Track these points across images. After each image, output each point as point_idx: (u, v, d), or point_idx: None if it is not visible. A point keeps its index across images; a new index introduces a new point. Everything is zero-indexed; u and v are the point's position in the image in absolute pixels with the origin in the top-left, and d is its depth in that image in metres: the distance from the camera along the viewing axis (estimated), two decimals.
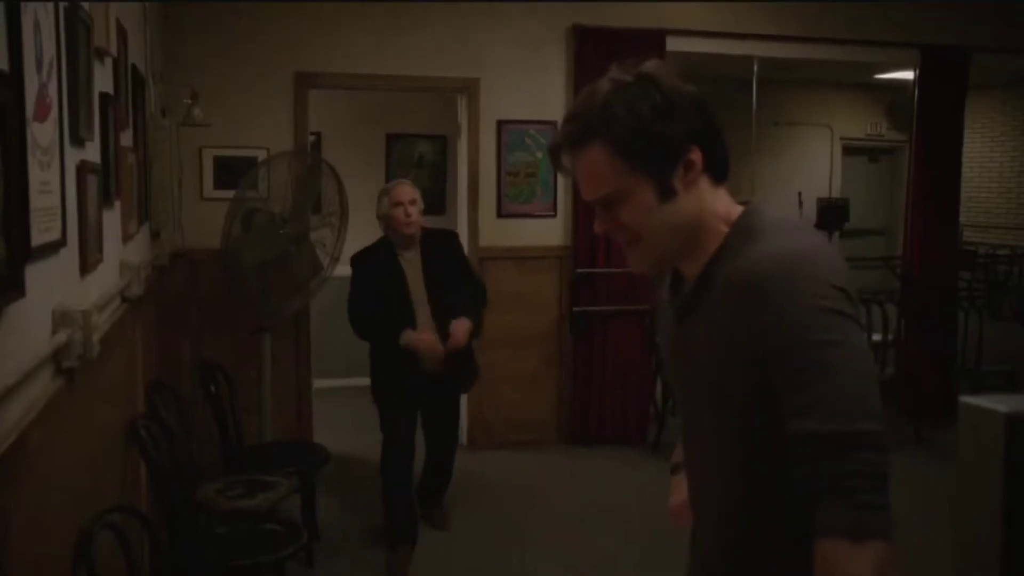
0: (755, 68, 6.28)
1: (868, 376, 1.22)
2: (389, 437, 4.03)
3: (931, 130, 6.15)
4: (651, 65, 1.36)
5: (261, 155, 4.95)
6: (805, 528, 1.21)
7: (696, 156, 1.33)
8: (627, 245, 1.39)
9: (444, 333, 3.93)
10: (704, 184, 1.36)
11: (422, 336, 3.90)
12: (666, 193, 1.33)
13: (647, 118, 1.30)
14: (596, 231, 1.41)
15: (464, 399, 5.57)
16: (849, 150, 9.75)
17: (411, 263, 4.02)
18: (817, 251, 1.27)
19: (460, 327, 3.95)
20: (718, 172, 1.37)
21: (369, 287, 3.95)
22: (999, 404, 2.22)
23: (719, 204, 1.38)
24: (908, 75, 6.41)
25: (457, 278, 4.11)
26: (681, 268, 1.44)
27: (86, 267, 2.32)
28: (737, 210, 1.38)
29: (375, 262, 4.00)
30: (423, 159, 7.40)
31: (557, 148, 1.40)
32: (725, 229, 1.36)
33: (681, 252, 1.39)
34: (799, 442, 1.20)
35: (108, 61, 2.86)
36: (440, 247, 4.11)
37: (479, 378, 4.29)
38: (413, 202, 3.96)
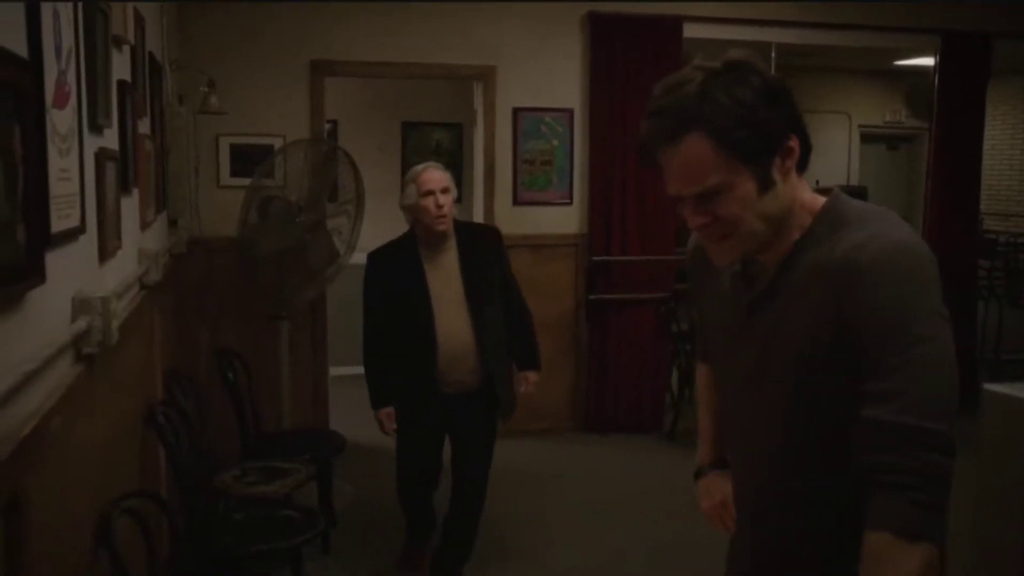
0: (773, 55, 6.22)
1: (951, 379, 1.21)
2: (403, 462, 3.52)
3: (951, 117, 6.09)
4: (737, 53, 1.32)
5: (277, 143, 4.95)
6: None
7: (795, 143, 1.30)
8: (718, 239, 1.34)
9: (486, 361, 3.32)
10: (793, 175, 1.33)
11: (386, 423, 3.41)
12: (766, 183, 1.29)
13: (751, 105, 1.26)
14: (691, 226, 1.35)
15: None
16: (867, 138, 9.67)
17: (439, 269, 3.31)
18: (919, 244, 1.27)
19: (531, 381, 3.57)
20: (804, 160, 1.35)
21: (384, 304, 3.34)
22: (1023, 392, 2.21)
23: (803, 193, 1.36)
24: (928, 61, 6.34)
25: (495, 292, 3.38)
26: (759, 257, 1.41)
27: (105, 254, 2.34)
28: (817, 198, 1.36)
29: (394, 265, 3.35)
30: (439, 147, 7.40)
31: (649, 145, 1.33)
32: (807, 218, 1.34)
33: (770, 241, 1.35)
34: (869, 428, 1.20)
35: (126, 49, 2.87)
36: (480, 248, 3.39)
37: (515, 411, 3.62)
38: (446, 190, 3.26)
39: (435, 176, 3.29)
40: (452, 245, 3.33)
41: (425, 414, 3.36)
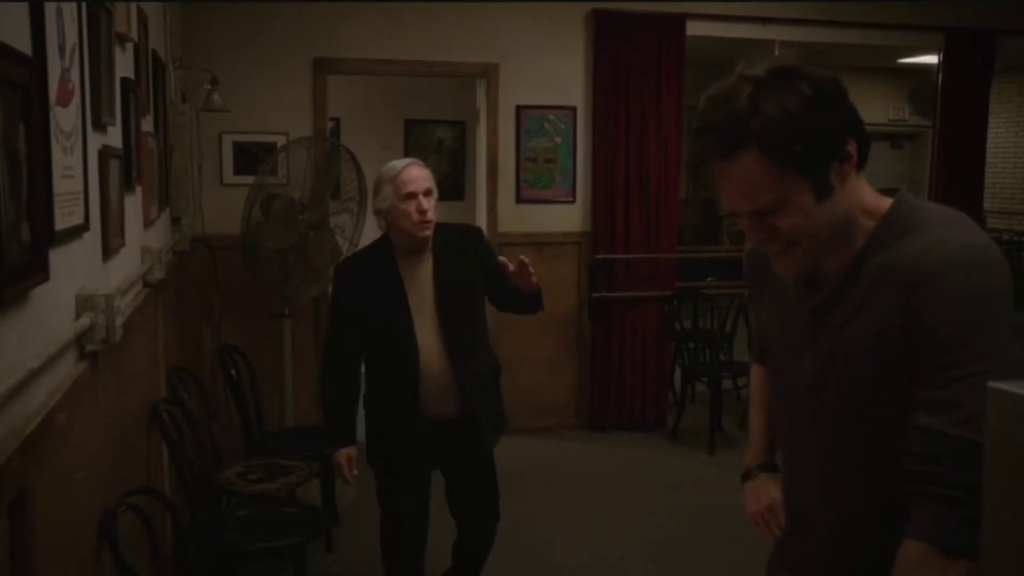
0: (776, 53, 6.22)
1: None
2: (387, 510, 2.99)
3: (955, 115, 6.07)
4: (784, 57, 1.28)
5: (280, 141, 4.96)
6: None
7: (852, 148, 1.26)
8: (780, 252, 1.30)
9: (462, 383, 2.83)
10: (853, 175, 1.28)
11: (347, 468, 2.89)
12: (824, 191, 1.24)
13: (800, 114, 1.20)
14: (751, 242, 1.32)
15: None
16: (871, 135, 9.64)
17: (418, 280, 2.82)
18: (991, 248, 1.23)
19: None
20: (863, 159, 1.30)
21: (356, 324, 2.84)
22: None
23: (866, 195, 1.32)
24: (932, 59, 6.34)
25: (474, 304, 2.91)
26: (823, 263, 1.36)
27: (109, 252, 2.34)
28: (882, 200, 1.33)
29: (368, 279, 2.82)
30: (442, 144, 7.40)
31: (700, 161, 1.28)
32: (870, 221, 1.30)
33: (834, 246, 1.31)
34: (922, 436, 1.18)
35: (129, 46, 2.87)
36: (459, 253, 2.87)
37: (507, 427, 3.14)
38: (429, 192, 2.76)
39: (417, 175, 2.75)
40: (429, 252, 2.83)
41: (410, 450, 2.85)
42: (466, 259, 2.86)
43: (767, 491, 1.64)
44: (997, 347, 1.18)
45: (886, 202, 1.33)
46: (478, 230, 3.05)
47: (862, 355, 1.29)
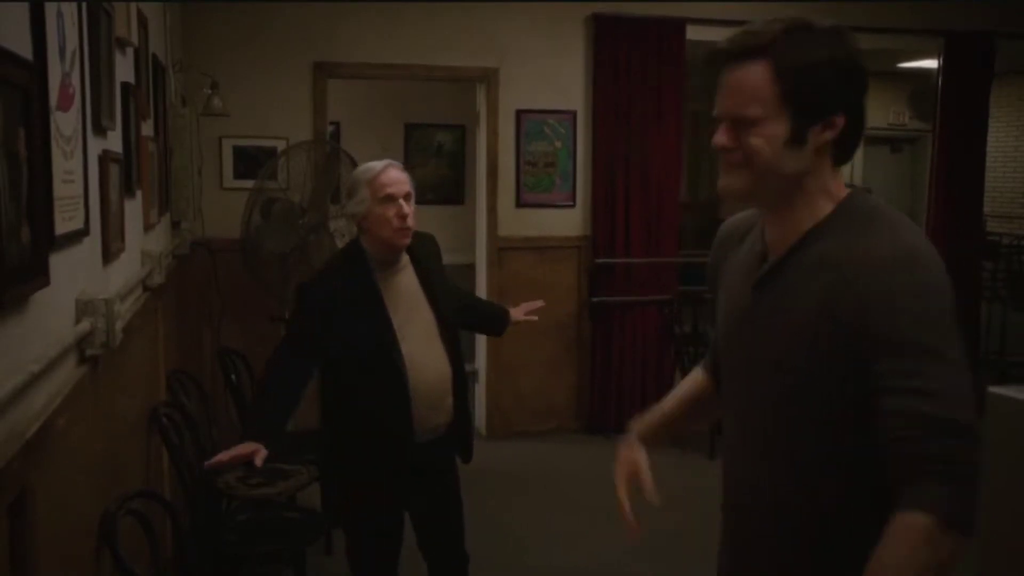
0: None
1: (968, 384, 1.24)
2: (365, 547, 2.67)
3: (955, 119, 6.08)
4: (846, 26, 1.37)
5: (280, 145, 4.96)
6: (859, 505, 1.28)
7: (840, 121, 1.32)
8: (730, 166, 1.37)
9: (463, 398, 2.70)
10: (826, 156, 1.35)
11: (234, 453, 2.30)
12: (797, 139, 1.32)
13: (821, 63, 1.30)
14: (714, 142, 1.38)
15: (483, 388, 5.60)
16: (871, 140, 9.65)
17: (397, 291, 2.57)
18: (932, 250, 1.30)
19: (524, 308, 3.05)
20: (843, 154, 1.37)
21: (321, 346, 2.51)
22: None
23: (831, 181, 1.37)
24: (932, 63, 6.34)
25: (455, 312, 2.73)
26: (768, 230, 1.43)
27: (109, 256, 2.34)
28: (844, 192, 1.38)
29: (342, 294, 2.51)
30: (442, 148, 7.40)
31: (722, 52, 1.36)
32: (827, 206, 1.36)
33: (772, 203, 1.38)
34: (908, 421, 1.21)
35: (129, 51, 2.87)
36: (430, 261, 2.70)
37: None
38: (409, 196, 2.53)
39: (396, 177, 2.52)
40: (406, 260, 2.61)
41: (395, 475, 2.58)
42: (437, 266, 2.72)
43: (638, 458, 1.75)
44: (956, 343, 1.24)
45: (845, 193, 1.39)
46: (434, 238, 2.80)
47: (794, 336, 1.33)
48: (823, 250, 1.33)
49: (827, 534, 1.35)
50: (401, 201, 2.49)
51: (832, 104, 1.31)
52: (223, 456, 2.30)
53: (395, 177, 2.52)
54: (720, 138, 1.36)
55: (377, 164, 2.56)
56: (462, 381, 2.69)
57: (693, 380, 1.77)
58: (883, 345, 1.24)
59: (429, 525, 2.72)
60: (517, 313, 3.06)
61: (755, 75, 1.31)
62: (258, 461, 2.27)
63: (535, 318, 3.08)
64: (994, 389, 2.34)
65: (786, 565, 1.41)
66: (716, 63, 1.37)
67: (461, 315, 2.84)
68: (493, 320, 3.09)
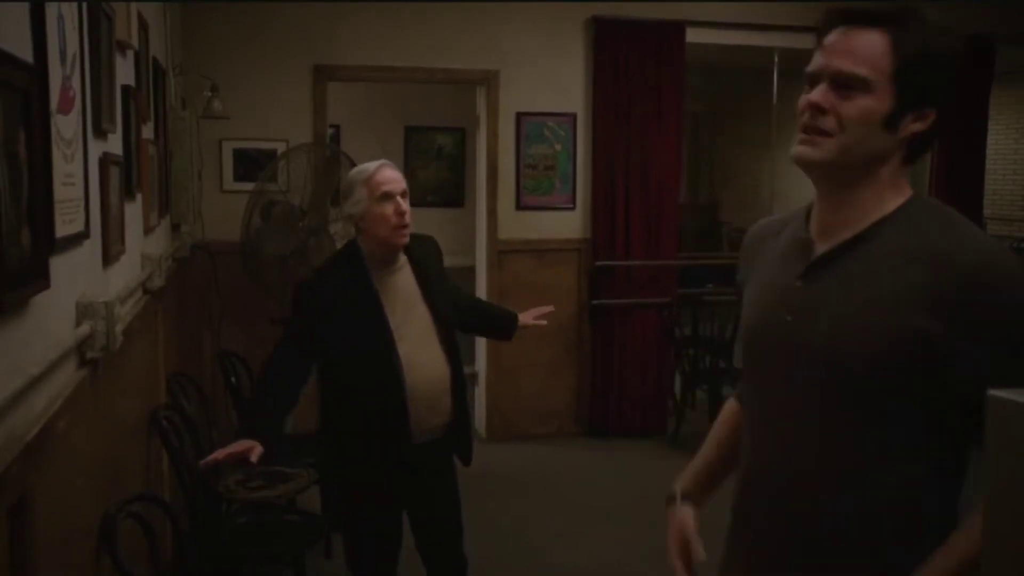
0: (775, 59, 6.23)
1: None
2: (364, 549, 2.67)
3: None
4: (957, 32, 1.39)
5: (280, 147, 4.97)
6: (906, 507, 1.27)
7: (931, 116, 1.32)
8: (813, 132, 1.32)
9: (462, 398, 2.68)
10: (903, 151, 1.34)
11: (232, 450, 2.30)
12: (892, 121, 1.30)
13: (938, 52, 1.32)
14: (810, 100, 1.33)
15: (483, 391, 5.61)
16: None
17: (395, 292, 2.58)
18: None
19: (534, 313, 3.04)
20: (915, 152, 1.36)
21: (320, 347, 2.53)
22: None
23: (900, 176, 1.36)
24: None
25: (449, 306, 2.71)
26: (820, 216, 1.38)
27: (109, 259, 2.35)
28: (908, 191, 1.37)
29: (340, 294, 2.53)
30: (442, 151, 7.41)
31: (838, 16, 1.35)
32: (895, 199, 1.33)
33: (843, 182, 1.34)
34: None
35: (130, 54, 2.88)
36: (430, 262, 2.71)
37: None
38: (406, 194, 2.57)
39: (392, 176, 2.56)
40: (404, 261, 2.62)
41: (392, 475, 2.59)
42: (437, 267, 2.73)
43: (686, 521, 1.63)
44: None
45: (910, 192, 1.37)
46: (435, 240, 2.82)
47: (871, 330, 1.28)
48: (904, 242, 1.29)
49: (878, 526, 1.31)
50: (399, 198, 2.52)
51: (932, 96, 1.31)
52: (218, 454, 2.29)
53: (391, 175, 2.55)
54: (817, 96, 1.31)
55: (371, 164, 2.59)
56: (460, 382, 2.68)
57: (729, 415, 1.69)
58: (994, 337, 1.22)
59: (427, 527, 2.72)
60: (526, 317, 3.05)
61: (874, 41, 1.29)
62: (253, 458, 2.27)
63: (544, 323, 3.06)
64: (994, 392, 2.34)
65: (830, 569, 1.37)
66: (831, 23, 1.35)
67: (466, 317, 2.86)
68: (501, 323, 3.09)
